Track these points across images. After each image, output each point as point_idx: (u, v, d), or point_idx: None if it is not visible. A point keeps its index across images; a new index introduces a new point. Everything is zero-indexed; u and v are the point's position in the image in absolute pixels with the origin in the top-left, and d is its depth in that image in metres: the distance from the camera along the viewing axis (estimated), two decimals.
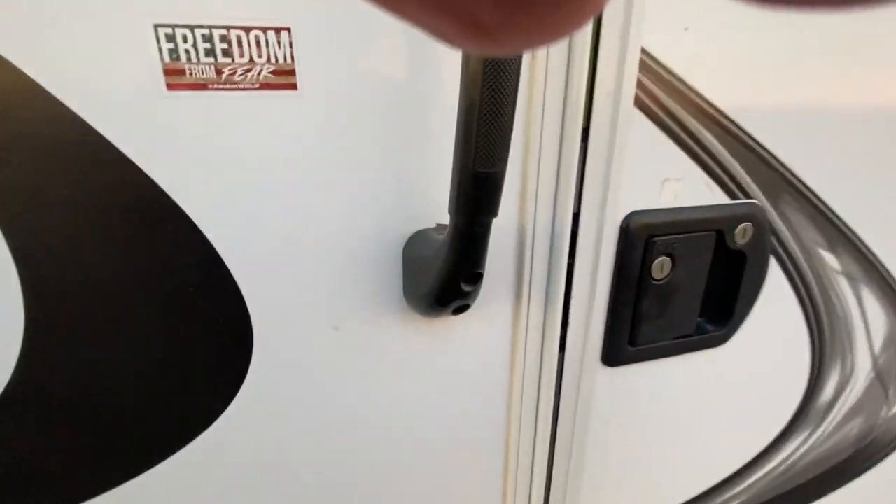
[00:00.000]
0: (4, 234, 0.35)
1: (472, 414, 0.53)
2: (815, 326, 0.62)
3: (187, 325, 0.41)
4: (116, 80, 0.34)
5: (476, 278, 0.39)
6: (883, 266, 0.62)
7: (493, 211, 0.34)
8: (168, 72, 0.34)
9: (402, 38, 0.38)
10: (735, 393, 0.62)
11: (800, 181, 0.53)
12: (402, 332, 0.47)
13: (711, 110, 0.46)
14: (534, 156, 0.43)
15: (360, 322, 0.45)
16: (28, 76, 0.32)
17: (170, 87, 0.35)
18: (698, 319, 0.55)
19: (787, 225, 0.55)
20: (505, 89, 0.29)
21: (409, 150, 0.41)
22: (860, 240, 0.59)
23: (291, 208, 0.40)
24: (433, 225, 0.44)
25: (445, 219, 0.38)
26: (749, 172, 0.50)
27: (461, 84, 0.30)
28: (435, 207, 0.44)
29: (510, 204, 0.45)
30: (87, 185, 0.35)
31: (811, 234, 0.57)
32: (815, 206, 0.55)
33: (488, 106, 0.29)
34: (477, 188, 0.32)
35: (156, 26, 0.33)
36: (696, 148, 0.47)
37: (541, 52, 0.40)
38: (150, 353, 0.40)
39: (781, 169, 0.51)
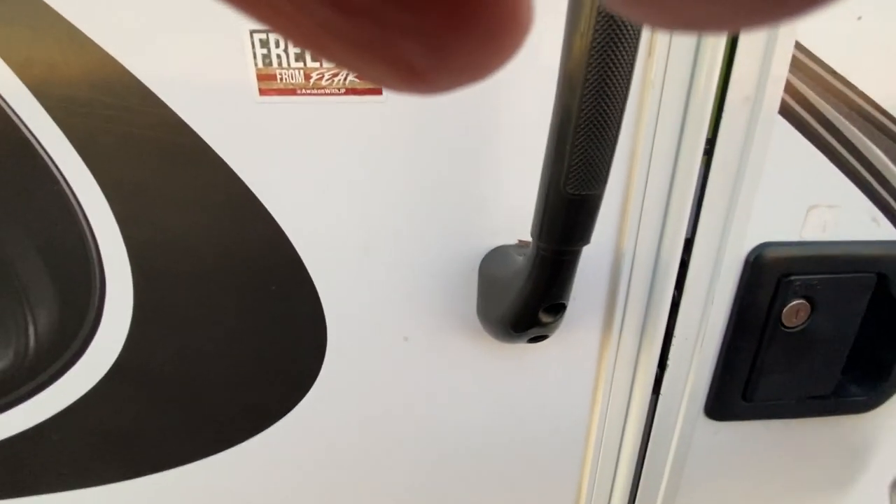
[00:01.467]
0: (120, 226, 0.38)
1: (543, 449, 0.49)
2: None
3: (267, 322, 0.42)
4: (215, 85, 0.35)
5: (558, 309, 0.35)
6: None
7: (584, 239, 0.30)
8: (261, 77, 0.35)
9: None
10: (878, 471, 0.50)
11: None
12: (472, 351, 0.44)
13: (884, 119, 0.36)
14: (641, 170, 0.37)
15: (429, 335, 0.43)
16: (138, 79, 0.34)
17: (262, 92, 0.35)
18: (841, 378, 0.45)
19: None
20: (611, 97, 0.24)
21: (494, 161, 0.38)
22: None
23: (371, 216, 0.39)
24: (514, 241, 0.40)
25: (528, 235, 0.34)
26: None
27: (557, 86, 0.25)
28: (518, 222, 0.40)
29: (608, 221, 0.40)
30: (188, 184, 0.37)
31: None
32: None
33: (588, 117, 0.24)
34: (567, 213, 0.28)
35: (251, 32, 0.33)
36: (859, 168, 0.37)
37: (660, 50, 0.34)
38: (234, 344, 0.42)
39: None
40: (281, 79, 0.35)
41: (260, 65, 0.34)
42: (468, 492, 0.50)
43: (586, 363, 0.45)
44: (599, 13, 0.22)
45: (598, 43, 0.23)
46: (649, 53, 0.35)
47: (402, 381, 0.45)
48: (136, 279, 0.39)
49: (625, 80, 0.25)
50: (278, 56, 0.34)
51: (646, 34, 0.34)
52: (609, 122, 0.24)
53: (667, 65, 0.34)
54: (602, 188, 0.27)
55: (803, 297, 0.39)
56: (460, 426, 0.47)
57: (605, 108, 0.24)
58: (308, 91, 0.35)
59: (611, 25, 0.23)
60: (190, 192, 0.37)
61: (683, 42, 0.34)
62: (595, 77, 0.24)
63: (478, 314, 0.42)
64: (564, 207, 0.28)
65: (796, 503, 0.51)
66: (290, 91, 0.35)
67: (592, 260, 0.41)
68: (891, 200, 0.39)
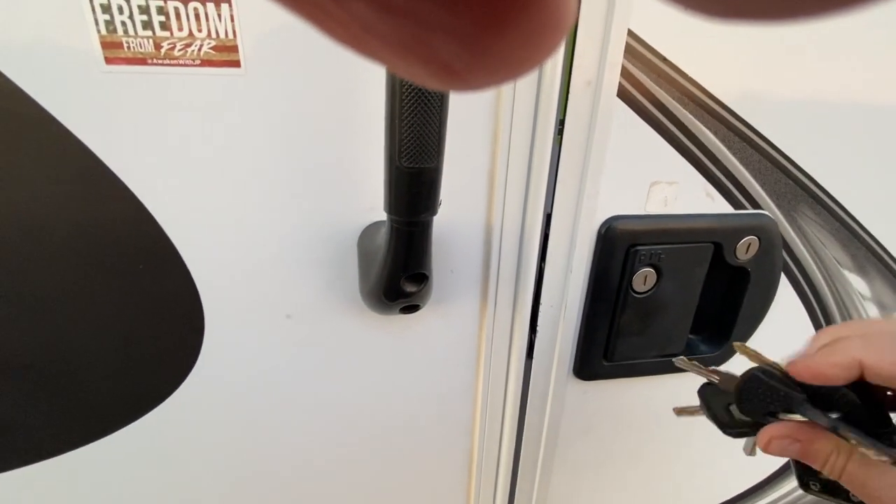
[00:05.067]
0: None
1: (432, 415, 0.51)
2: None
3: (137, 304, 0.41)
4: (57, 51, 0.33)
5: (420, 279, 0.36)
6: None
7: (429, 209, 0.31)
8: (105, 45, 0.33)
9: None
10: None
11: (821, 189, 0.46)
12: (358, 324, 0.45)
13: (712, 104, 0.40)
14: (503, 148, 0.40)
15: (313, 311, 0.44)
16: None
17: (108, 61, 0.34)
18: (690, 337, 0.50)
19: (803, 240, 0.48)
20: None
21: (365, 134, 0.38)
22: (895, 260, 0.52)
23: (240, 192, 0.39)
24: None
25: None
26: (759, 179, 0.44)
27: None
28: None
29: (477, 199, 0.42)
30: (34, 156, 0.35)
31: (834, 253, 0.50)
32: (841, 220, 0.48)
33: (410, 91, 0.26)
34: (407, 185, 0.29)
35: None
36: (692, 148, 0.41)
37: None
38: (99, 327, 0.41)
39: (799, 175, 0.45)
40: (128, 47, 0.33)
41: (103, 31, 0.33)
42: (364, 464, 0.52)
43: (468, 331, 0.48)
44: None
45: None
46: None
47: (286, 359, 0.45)
48: None
49: None
50: (123, 23, 0.33)
51: None
52: (431, 95, 0.26)
53: None
54: (436, 160, 0.29)
55: (649, 265, 0.44)
56: (348, 401, 0.48)
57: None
58: (160, 61, 0.34)
59: None
60: (35, 167, 0.35)
61: None
62: None
63: (359, 288, 0.43)
64: (404, 180, 0.29)
65: (661, 454, 0.57)
66: (140, 60, 0.34)
67: (466, 234, 0.43)
68: (722, 177, 0.43)
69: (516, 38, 0.07)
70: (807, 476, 0.32)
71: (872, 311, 0.54)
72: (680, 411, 0.37)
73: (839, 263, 0.51)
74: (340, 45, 0.07)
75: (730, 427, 0.33)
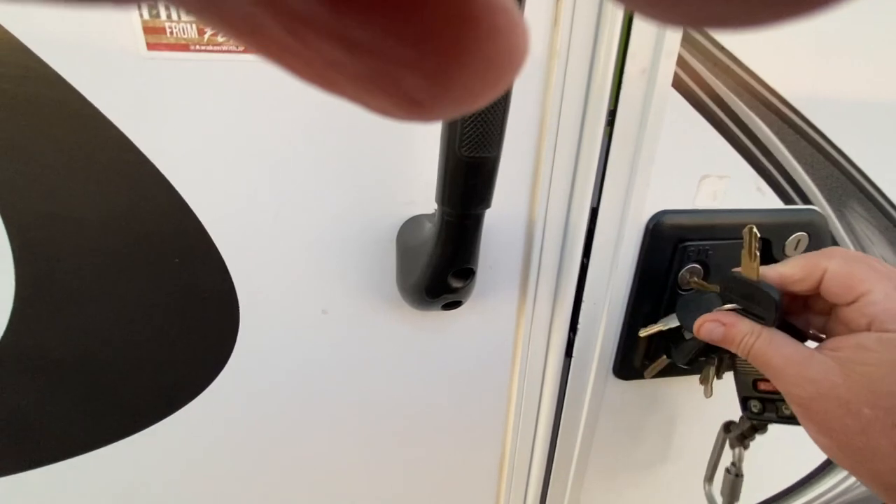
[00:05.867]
0: None
1: (467, 413, 0.50)
2: None
3: (172, 297, 0.40)
4: (97, 36, 0.32)
5: (466, 274, 0.35)
6: None
7: (484, 201, 0.30)
8: (147, 30, 0.32)
9: None
10: None
11: (873, 186, 0.44)
12: (395, 320, 0.44)
13: (769, 95, 0.38)
14: (549, 139, 0.38)
15: (350, 307, 0.43)
16: (5, 28, 0.31)
17: (150, 46, 0.33)
18: None
19: (852, 237, 0.47)
20: None
21: (409, 128, 0.37)
22: None
23: (280, 184, 0.38)
24: (431, 211, 0.40)
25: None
26: (810, 173, 0.43)
27: None
28: (434, 191, 0.40)
29: (520, 191, 0.41)
30: (72, 145, 0.34)
31: (881, 251, 0.48)
32: (890, 218, 0.46)
33: None
34: (465, 176, 0.28)
35: None
36: (745, 141, 0.40)
37: (564, 20, 0.35)
38: (132, 321, 0.40)
39: (852, 170, 0.43)
40: (171, 32, 0.32)
41: (146, 16, 0.32)
42: (394, 462, 0.51)
43: (505, 328, 0.47)
44: None
45: None
46: (555, 22, 0.35)
47: (322, 354, 0.44)
48: (16, 253, 0.36)
49: None
50: (167, 7, 0.32)
51: (549, 2, 0.34)
52: None
53: (571, 34, 0.35)
54: (497, 150, 0.28)
55: (697, 261, 0.42)
56: (384, 398, 0.47)
57: None
58: (203, 47, 0.33)
59: None
60: (73, 156, 0.34)
61: (585, 12, 0.35)
62: None
63: (397, 284, 0.42)
64: (462, 170, 0.28)
65: (700, 456, 0.56)
66: (183, 46, 0.33)
67: (507, 228, 0.42)
68: (774, 171, 0.42)
69: (477, 71, 0.07)
70: (748, 397, 0.37)
71: None
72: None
73: (885, 261, 0.49)
74: (303, 81, 0.07)
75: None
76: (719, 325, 0.33)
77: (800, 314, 0.32)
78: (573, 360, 0.47)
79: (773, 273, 0.33)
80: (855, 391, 0.27)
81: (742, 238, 0.34)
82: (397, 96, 0.07)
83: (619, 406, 0.50)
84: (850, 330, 0.29)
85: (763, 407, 0.36)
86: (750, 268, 0.34)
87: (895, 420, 0.26)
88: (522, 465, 0.53)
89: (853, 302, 0.29)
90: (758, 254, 0.33)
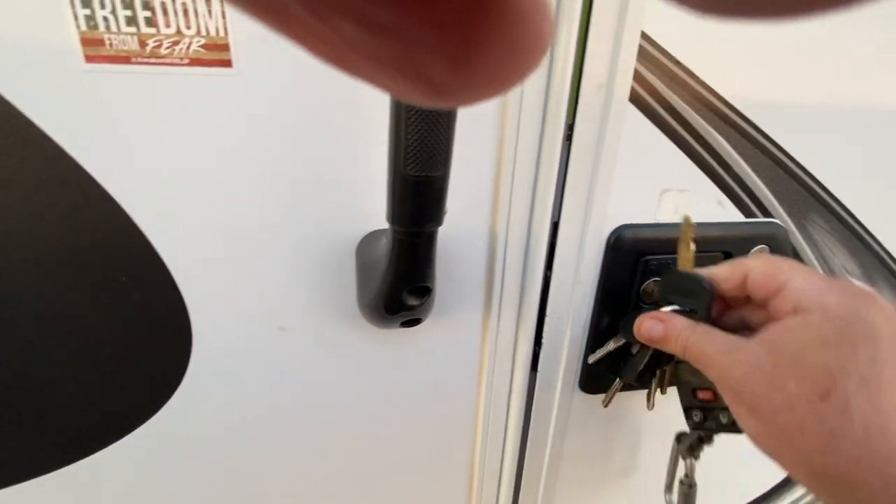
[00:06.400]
0: None
1: (435, 428, 0.49)
2: None
3: (120, 317, 0.38)
4: (33, 48, 0.30)
5: (423, 292, 0.34)
6: None
7: (434, 219, 0.29)
8: (86, 41, 0.31)
9: None
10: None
11: (832, 198, 0.45)
12: (356, 336, 0.43)
13: (725, 109, 0.39)
14: (509, 154, 0.38)
15: (309, 324, 0.42)
16: None
17: (88, 59, 0.31)
18: None
19: (813, 249, 0.47)
20: None
21: (365, 138, 0.36)
22: None
23: (231, 200, 0.36)
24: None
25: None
26: (770, 187, 0.43)
27: None
28: None
29: (482, 207, 0.40)
30: (7, 162, 0.32)
31: (843, 261, 0.49)
32: (851, 229, 0.47)
33: None
34: (412, 195, 0.27)
35: None
36: (704, 155, 0.40)
37: None
38: (79, 343, 0.38)
39: (811, 182, 0.44)
40: (111, 44, 0.31)
41: (83, 27, 0.31)
42: (360, 483, 0.50)
43: (471, 343, 0.46)
44: None
45: None
46: None
47: (280, 373, 0.43)
48: None
49: None
50: (105, 18, 0.31)
51: None
52: None
53: None
54: (443, 168, 0.27)
55: (659, 275, 0.42)
56: (345, 417, 0.46)
57: None
58: (145, 60, 0.32)
59: None
60: (7, 172, 0.33)
61: None
62: None
63: (357, 300, 0.41)
64: (409, 189, 0.27)
65: (663, 466, 0.56)
66: (124, 59, 0.32)
67: (470, 244, 0.42)
68: (734, 185, 0.42)
69: (500, 56, 0.07)
70: (689, 407, 0.38)
71: None
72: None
73: (847, 272, 0.50)
74: (324, 63, 0.07)
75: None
76: (658, 321, 0.34)
77: (738, 331, 0.32)
78: (539, 374, 0.46)
79: (704, 272, 0.35)
80: (781, 367, 0.27)
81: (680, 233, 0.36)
82: (419, 80, 0.07)
83: (586, 419, 0.50)
84: (779, 319, 0.30)
85: (704, 416, 0.37)
86: (685, 259, 0.35)
87: (820, 392, 0.26)
88: (492, 479, 0.52)
89: (778, 292, 0.30)
90: (692, 245, 0.35)
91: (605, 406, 0.45)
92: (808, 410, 0.26)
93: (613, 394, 0.44)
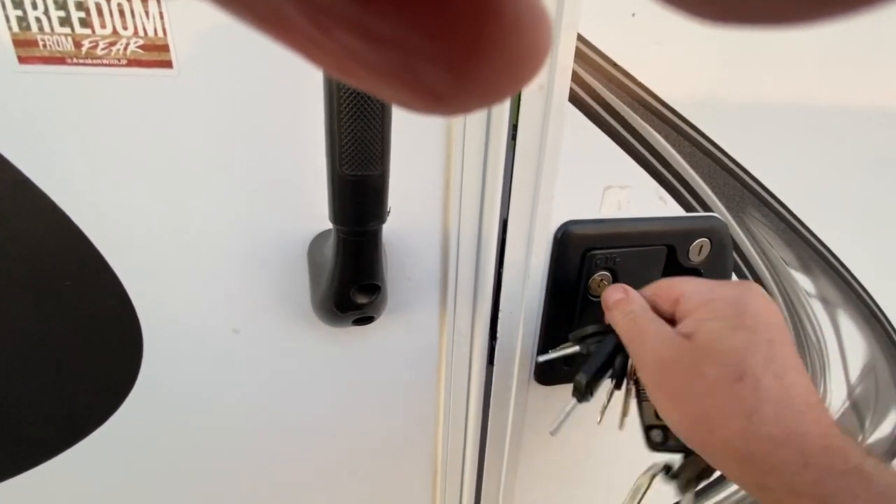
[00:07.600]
0: None
1: (393, 427, 0.50)
2: None
3: (66, 323, 0.38)
4: None
5: (371, 290, 0.35)
6: (863, 289, 0.57)
7: (377, 217, 0.30)
8: (18, 43, 0.30)
9: None
10: None
11: (767, 192, 0.47)
12: (312, 337, 0.43)
13: (662, 108, 0.40)
14: (457, 153, 0.39)
15: (263, 325, 0.42)
16: None
17: (22, 60, 0.31)
18: None
19: (752, 241, 0.49)
20: None
21: (309, 139, 0.37)
22: (838, 260, 0.54)
23: (176, 202, 0.36)
24: None
25: None
26: (708, 182, 0.45)
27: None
28: None
29: (434, 205, 0.41)
30: None
31: (781, 252, 0.51)
32: (786, 221, 0.50)
33: (348, 95, 0.24)
34: (351, 194, 0.28)
35: None
36: (644, 153, 0.42)
37: None
38: (23, 350, 0.37)
39: (746, 178, 0.46)
40: (45, 45, 0.31)
41: (15, 28, 0.30)
42: (323, 482, 0.50)
43: (429, 339, 0.47)
44: None
45: None
46: None
47: (236, 374, 0.43)
48: None
49: None
50: (38, 19, 0.30)
51: None
52: (371, 99, 0.25)
53: None
54: (380, 167, 0.28)
55: (605, 268, 0.44)
56: (304, 417, 0.46)
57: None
58: (81, 61, 0.31)
59: None
60: None
61: None
62: None
63: (310, 301, 0.41)
64: (347, 189, 0.28)
65: (626, 457, 0.58)
66: (58, 60, 0.31)
67: (423, 242, 0.42)
68: (673, 181, 0.44)
69: (501, 65, 0.07)
70: (651, 426, 0.37)
71: (817, 307, 0.56)
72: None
73: (786, 262, 0.52)
74: (324, 72, 0.08)
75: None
76: (622, 290, 0.38)
77: None
78: (495, 367, 0.48)
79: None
80: (699, 355, 0.29)
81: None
82: (419, 89, 0.07)
83: (543, 409, 0.51)
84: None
85: (665, 436, 0.36)
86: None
87: (735, 375, 0.27)
88: (455, 471, 0.53)
89: (679, 299, 0.34)
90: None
91: (553, 435, 0.41)
92: (728, 394, 0.27)
93: (562, 421, 0.41)
